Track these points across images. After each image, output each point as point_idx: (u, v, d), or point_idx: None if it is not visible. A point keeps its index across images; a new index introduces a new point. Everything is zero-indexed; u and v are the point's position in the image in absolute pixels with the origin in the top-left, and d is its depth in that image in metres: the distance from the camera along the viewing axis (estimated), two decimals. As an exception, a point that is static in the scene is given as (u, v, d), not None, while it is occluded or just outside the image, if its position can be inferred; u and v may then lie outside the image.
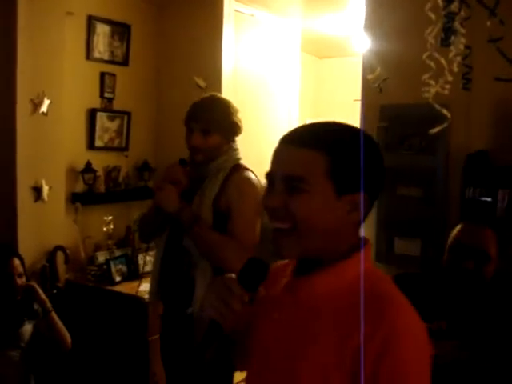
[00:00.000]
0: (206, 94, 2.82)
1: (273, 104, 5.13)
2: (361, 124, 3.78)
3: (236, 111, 2.72)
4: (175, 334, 2.83)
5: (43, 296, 3.22)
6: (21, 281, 3.17)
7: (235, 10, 4.55)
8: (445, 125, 1.02)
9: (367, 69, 3.63)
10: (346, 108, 6.60)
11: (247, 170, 2.73)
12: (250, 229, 2.57)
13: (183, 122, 2.71)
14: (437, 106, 1.04)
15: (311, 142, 1.18)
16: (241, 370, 1.51)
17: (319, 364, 1.13)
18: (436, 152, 3.28)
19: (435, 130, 1.02)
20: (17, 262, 3.19)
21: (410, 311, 1.15)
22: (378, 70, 3.43)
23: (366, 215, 1.23)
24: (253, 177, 2.69)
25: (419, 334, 1.13)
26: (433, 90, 1.12)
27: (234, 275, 1.25)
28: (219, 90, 4.45)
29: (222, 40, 4.47)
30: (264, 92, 5.00)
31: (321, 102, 6.97)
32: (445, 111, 1.02)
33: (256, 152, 4.60)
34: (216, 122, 2.62)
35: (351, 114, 6.43)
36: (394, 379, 1.07)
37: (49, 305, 3.22)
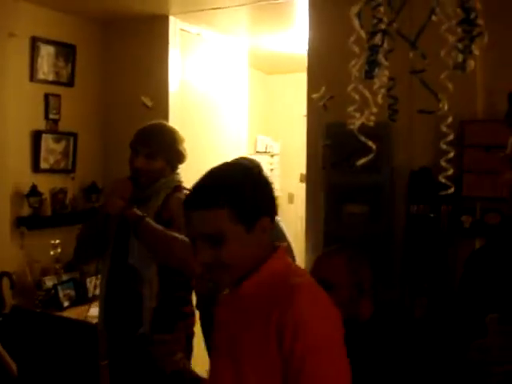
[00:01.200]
0: (155, 121, 2.92)
1: (222, 121, 5.13)
2: (306, 141, 3.82)
3: (182, 140, 2.83)
4: (129, 357, 2.81)
5: None
6: None
7: (181, 29, 4.55)
8: (371, 156, 1.06)
9: (312, 87, 3.66)
10: (295, 123, 6.67)
11: (188, 190, 2.77)
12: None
13: (129, 144, 2.78)
14: (362, 138, 1.07)
15: (210, 203, 1.40)
16: None
17: (254, 347, 1.38)
18: (380, 169, 3.33)
19: (361, 162, 1.06)
20: None
21: (318, 298, 1.42)
22: (323, 88, 3.46)
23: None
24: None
25: (325, 318, 1.38)
26: (357, 122, 1.15)
27: None
28: (166, 108, 4.44)
29: (168, 59, 4.46)
30: (212, 110, 5.01)
31: (270, 117, 7.01)
32: (370, 143, 1.05)
33: (205, 169, 4.60)
34: (162, 147, 2.72)
35: (300, 130, 6.51)
36: (304, 356, 1.31)
37: None
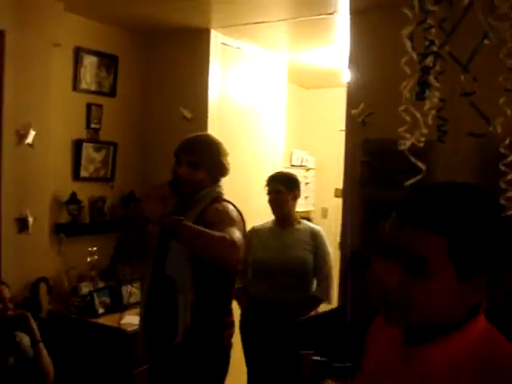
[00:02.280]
0: (201, 132, 3.01)
1: (259, 135, 5.16)
2: (344, 156, 3.83)
3: (226, 154, 2.84)
4: (164, 366, 2.83)
5: (34, 325, 3.20)
6: (12, 305, 3.18)
7: (222, 43, 4.60)
8: (419, 177, 1.03)
9: (351, 102, 3.68)
10: (332, 138, 6.66)
11: (227, 202, 2.84)
12: (232, 231, 2.58)
13: (173, 153, 2.80)
14: (412, 159, 1.06)
15: (429, 223, 1.11)
16: None
17: None
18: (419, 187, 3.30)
19: (410, 182, 1.04)
20: (5, 288, 3.21)
21: None
22: (362, 105, 3.47)
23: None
24: (231, 207, 2.80)
25: None
26: (408, 143, 1.15)
27: None
28: (205, 121, 4.48)
29: (208, 72, 4.50)
30: (250, 123, 5.04)
31: (307, 132, 7.02)
32: (420, 164, 1.04)
33: (242, 183, 4.63)
34: (205, 158, 2.74)
35: (336, 144, 6.52)
36: None
37: (38, 335, 3.20)
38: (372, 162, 3.51)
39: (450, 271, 1.10)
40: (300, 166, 6.75)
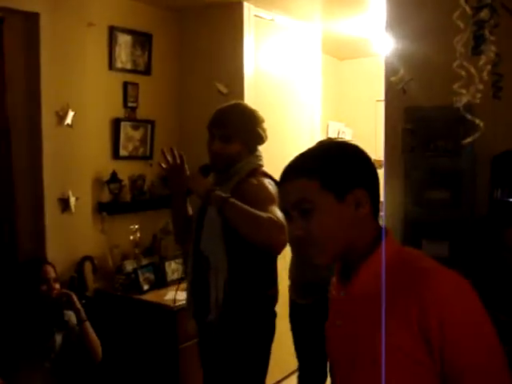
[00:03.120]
0: (231, 102, 2.79)
1: (295, 107, 5.12)
2: (384, 126, 3.76)
3: (260, 121, 2.70)
4: (206, 342, 2.85)
5: (79, 305, 3.25)
6: (57, 285, 3.22)
7: (255, 16, 4.55)
8: (477, 134, 1.00)
9: (390, 70, 3.60)
10: (368, 109, 6.60)
11: (264, 175, 2.70)
12: (274, 211, 2.48)
13: (207, 126, 2.72)
14: (469, 116, 1.03)
15: (298, 172, 1.39)
16: None
17: (396, 343, 1.26)
18: (462, 154, 3.24)
19: (468, 140, 1.01)
20: (50, 268, 3.25)
21: (453, 274, 1.28)
22: (401, 71, 3.40)
23: (374, 208, 1.41)
24: (267, 181, 2.66)
25: (466, 292, 1.26)
26: (464, 99, 1.11)
27: None
28: (241, 95, 4.45)
29: (242, 45, 4.46)
30: (286, 96, 5.00)
31: (343, 103, 6.94)
32: (477, 120, 1.00)
33: (280, 155, 4.59)
34: (237, 130, 2.63)
35: (374, 115, 6.45)
36: (461, 341, 1.22)
37: (83, 314, 3.24)
38: (414, 129, 3.44)
39: (328, 197, 1.35)
40: (337, 138, 6.69)
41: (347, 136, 6.87)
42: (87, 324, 3.24)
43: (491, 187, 3.20)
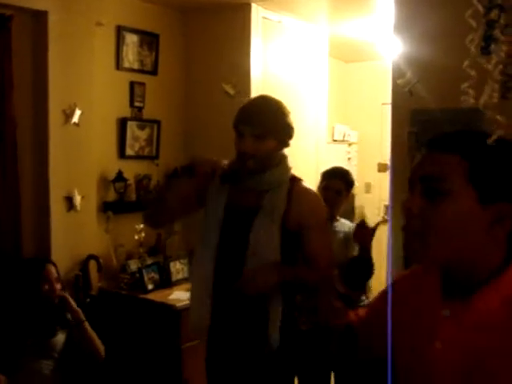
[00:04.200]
0: (258, 96, 2.59)
1: (302, 109, 5.12)
2: (391, 129, 3.76)
3: (289, 112, 2.47)
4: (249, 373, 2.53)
5: (75, 306, 3.23)
6: (59, 285, 3.22)
7: (263, 17, 4.56)
8: (501, 132, 0.99)
9: (397, 73, 3.60)
10: (374, 112, 6.60)
11: (303, 181, 2.54)
12: (327, 247, 2.41)
13: (232, 125, 2.43)
14: (489, 113, 1.02)
15: (451, 147, 1.17)
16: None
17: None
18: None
19: (493, 138, 0.99)
20: (53, 268, 3.24)
21: None
22: (408, 74, 3.40)
23: None
24: (315, 193, 2.55)
25: None
26: (472, 100, 1.11)
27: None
28: (248, 96, 4.44)
29: (250, 47, 4.47)
30: (293, 98, 4.99)
31: (348, 106, 6.95)
32: (499, 117, 0.99)
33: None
34: (271, 124, 2.36)
35: (379, 118, 6.45)
36: None
37: (81, 315, 3.23)
38: (420, 132, 3.44)
39: (470, 193, 1.12)
40: (342, 140, 6.70)
41: (352, 138, 6.88)
42: (85, 325, 3.22)
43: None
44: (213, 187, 2.46)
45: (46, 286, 3.17)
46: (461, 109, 1.66)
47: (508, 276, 1.15)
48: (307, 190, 2.48)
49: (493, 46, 1.13)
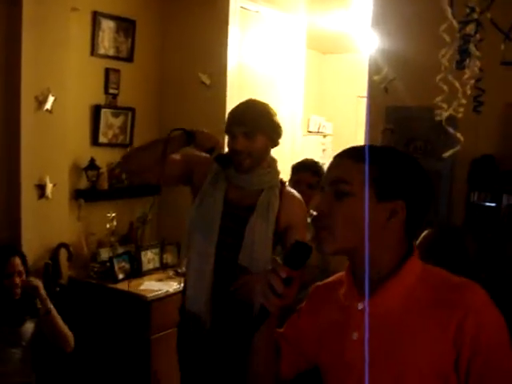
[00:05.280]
0: (244, 100, 2.68)
1: (277, 100, 5.10)
2: (366, 125, 3.78)
3: (275, 113, 2.61)
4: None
5: (44, 295, 3.20)
6: (20, 279, 3.17)
7: (241, 7, 4.53)
8: (457, 148, 1.01)
9: (373, 68, 3.61)
10: (349, 104, 6.62)
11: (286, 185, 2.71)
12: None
13: (224, 130, 2.56)
14: (450, 130, 1.03)
15: (356, 156, 1.33)
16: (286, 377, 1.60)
17: (426, 366, 1.25)
18: (441, 156, 3.26)
19: (448, 154, 1.01)
20: (17, 260, 3.19)
21: (482, 288, 1.29)
22: (385, 70, 3.41)
23: (410, 224, 1.35)
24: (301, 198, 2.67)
25: (493, 302, 1.28)
26: (445, 114, 1.11)
27: (279, 258, 1.36)
28: (224, 86, 4.44)
29: (227, 37, 4.44)
30: (269, 88, 4.98)
31: (324, 97, 6.95)
32: (458, 135, 1.01)
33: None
34: (259, 122, 2.50)
35: (355, 110, 6.48)
36: (491, 343, 1.23)
37: (49, 304, 3.21)
38: (394, 129, 3.46)
39: (370, 193, 1.30)
40: (317, 132, 6.71)
41: (327, 130, 6.89)
42: (53, 313, 3.20)
43: (468, 191, 3.23)
44: (207, 181, 2.59)
45: (7, 282, 3.13)
46: (433, 106, 1.68)
47: (407, 267, 1.34)
48: (294, 193, 2.64)
49: (467, 61, 1.13)
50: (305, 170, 3.34)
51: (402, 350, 1.28)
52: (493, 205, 3.15)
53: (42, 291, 3.19)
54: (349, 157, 1.34)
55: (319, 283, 1.60)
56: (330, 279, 1.57)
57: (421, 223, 1.39)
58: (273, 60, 5.03)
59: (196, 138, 2.54)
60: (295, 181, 3.32)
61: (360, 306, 1.36)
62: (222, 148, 2.68)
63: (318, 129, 6.73)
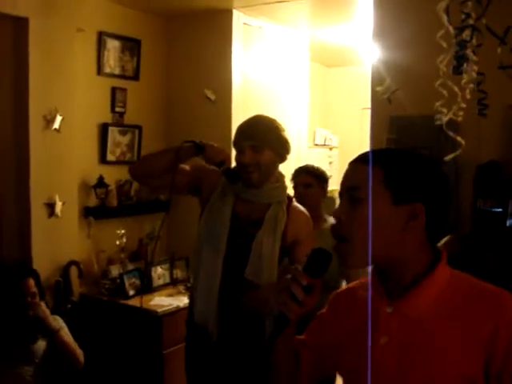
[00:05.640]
0: (253, 115, 2.72)
1: (283, 115, 5.13)
2: (371, 135, 3.80)
3: (284, 129, 2.64)
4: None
5: (48, 317, 3.21)
6: (36, 299, 3.20)
7: (244, 23, 4.58)
8: (458, 152, 1.03)
9: (376, 79, 3.63)
10: (354, 116, 6.65)
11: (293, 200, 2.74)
12: None
13: (232, 144, 2.60)
14: (450, 133, 1.05)
15: (368, 159, 1.31)
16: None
17: (455, 372, 1.23)
18: (446, 163, 3.28)
19: (449, 157, 1.03)
20: (31, 282, 3.22)
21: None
22: (388, 81, 3.43)
23: (432, 227, 1.31)
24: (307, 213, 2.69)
25: None
26: (445, 118, 1.13)
27: (299, 266, 1.34)
28: (229, 102, 4.48)
29: (231, 53, 4.50)
30: (274, 103, 5.02)
31: (330, 110, 6.99)
32: (459, 138, 1.03)
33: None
34: (266, 136, 2.53)
35: (359, 123, 6.50)
36: None
37: (57, 323, 3.22)
38: (398, 138, 3.48)
39: (386, 197, 1.28)
40: (323, 145, 6.73)
41: (334, 143, 6.92)
42: (61, 333, 3.21)
43: (474, 197, 3.24)
44: (216, 195, 2.61)
45: (20, 300, 3.16)
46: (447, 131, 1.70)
47: (438, 273, 1.31)
48: (301, 209, 2.67)
49: (465, 66, 1.16)
50: (300, 173, 3.50)
51: (431, 356, 1.26)
52: (499, 210, 3.16)
53: (46, 313, 3.20)
54: (361, 162, 1.33)
55: (340, 290, 1.59)
56: (352, 285, 1.55)
57: (443, 226, 1.35)
58: (277, 74, 5.08)
59: (206, 150, 2.56)
60: (294, 186, 3.46)
61: (389, 310, 1.34)
62: (230, 162, 2.71)
63: (324, 141, 6.76)
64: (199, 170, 2.70)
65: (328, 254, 1.32)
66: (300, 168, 3.58)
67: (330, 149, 6.88)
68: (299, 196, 3.37)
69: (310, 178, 3.47)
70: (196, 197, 2.73)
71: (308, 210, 2.93)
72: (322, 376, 1.57)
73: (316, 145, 6.54)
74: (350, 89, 6.73)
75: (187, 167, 2.67)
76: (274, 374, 1.56)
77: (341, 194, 1.37)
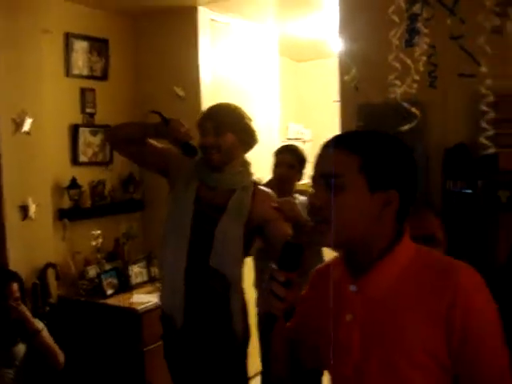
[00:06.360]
0: (221, 102, 2.76)
1: (253, 110, 5.13)
2: (340, 124, 3.83)
3: (249, 118, 2.68)
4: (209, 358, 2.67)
5: (30, 317, 3.21)
6: (16, 304, 3.19)
7: (211, 19, 4.59)
8: (414, 123, 1.05)
9: (343, 70, 3.67)
10: (326, 109, 6.66)
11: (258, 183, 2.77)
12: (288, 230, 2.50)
13: (196, 124, 2.64)
14: (405, 105, 1.07)
15: (345, 145, 1.32)
16: (312, 366, 1.63)
17: (417, 347, 1.26)
18: (413, 148, 3.32)
19: (405, 128, 1.06)
20: (15, 287, 3.21)
21: (475, 270, 1.30)
22: (354, 70, 3.47)
23: (400, 215, 1.35)
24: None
25: (486, 286, 1.29)
26: (399, 90, 1.15)
27: (274, 265, 1.37)
28: (199, 98, 4.49)
29: (198, 49, 4.50)
30: (244, 99, 5.02)
31: (302, 105, 7.01)
32: (414, 109, 1.05)
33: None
34: (228, 120, 2.58)
35: (331, 116, 6.51)
36: (481, 328, 1.25)
37: (37, 325, 3.22)
38: (366, 126, 3.51)
39: (362, 184, 1.29)
40: (296, 139, 6.76)
41: (306, 136, 6.95)
42: (42, 334, 3.21)
43: (443, 179, 3.28)
44: (180, 181, 2.65)
45: (3, 304, 3.15)
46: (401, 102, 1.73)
47: (399, 249, 1.35)
48: (265, 190, 2.72)
49: (416, 39, 1.19)
50: (285, 152, 3.50)
51: (393, 332, 1.29)
52: (469, 191, 3.20)
53: (27, 315, 3.20)
54: (337, 148, 1.34)
55: (319, 266, 1.61)
56: (328, 261, 1.59)
57: (409, 210, 1.37)
58: (246, 70, 5.10)
59: (170, 123, 2.62)
60: (276, 163, 3.46)
61: (352, 288, 1.37)
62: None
63: (298, 136, 6.79)
64: (168, 151, 2.73)
65: (299, 246, 1.34)
66: (286, 146, 3.58)
67: (304, 142, 6.91)
68: (279, 175, 3.39)
69: (294, 158, 3.46)
70: (165, 178, 2.77)
71: (282, 192, 2.98)
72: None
73: (289, 139, 6.56)
74: (321, 82, 6.75)
75: (158, 145, 2.73)
76: (274, 369, 1.61)
77: (314, 177, 1.37)
